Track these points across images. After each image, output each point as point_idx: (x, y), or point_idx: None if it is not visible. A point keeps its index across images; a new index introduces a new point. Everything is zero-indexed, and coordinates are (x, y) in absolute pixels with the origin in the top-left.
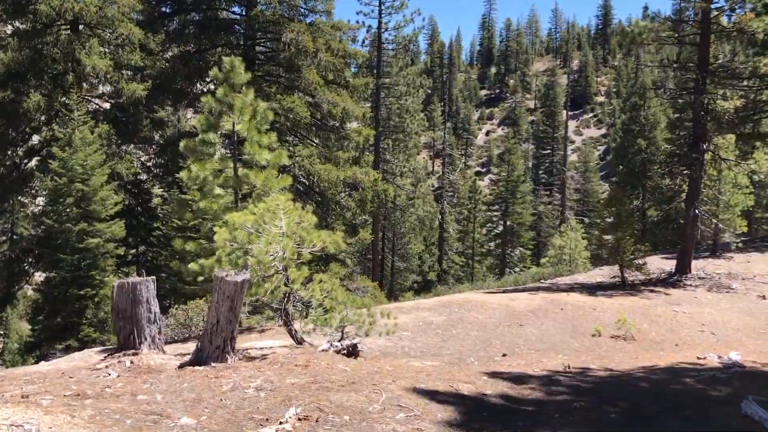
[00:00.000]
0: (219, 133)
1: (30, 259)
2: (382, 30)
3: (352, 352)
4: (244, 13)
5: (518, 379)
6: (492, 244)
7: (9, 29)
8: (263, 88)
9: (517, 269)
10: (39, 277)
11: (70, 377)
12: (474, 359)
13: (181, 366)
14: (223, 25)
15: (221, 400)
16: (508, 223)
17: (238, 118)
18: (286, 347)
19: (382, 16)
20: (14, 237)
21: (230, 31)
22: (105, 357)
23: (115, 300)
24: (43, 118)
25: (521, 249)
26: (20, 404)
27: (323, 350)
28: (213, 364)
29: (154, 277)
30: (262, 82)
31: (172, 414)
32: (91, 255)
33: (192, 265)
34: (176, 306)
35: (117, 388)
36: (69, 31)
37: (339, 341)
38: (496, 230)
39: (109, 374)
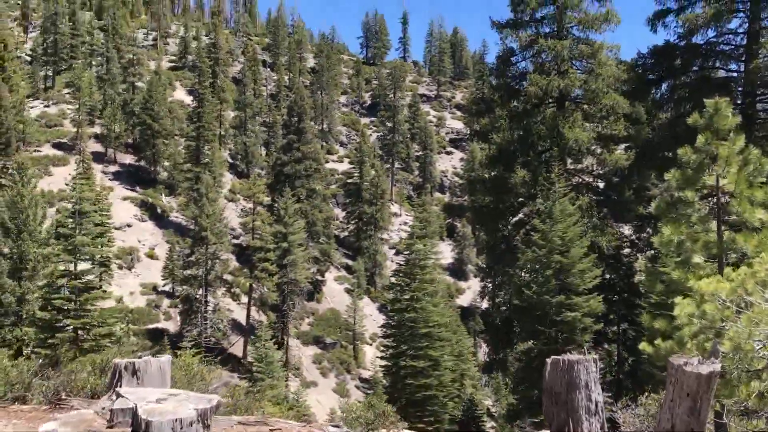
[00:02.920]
0: (697, 189)
1: (515, 329)
2: None
3: None
4: (741, 69)
5: None
6: None
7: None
8: (766, 149)
9: None
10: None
11: None
12: None
13: None
14: (716, 84)
15: None
16: None
17: (723, 170)
18: None
19: None
20: (508, 307)
21: (725, 90)
22: None
23: (547, 380)
24: (530, 191)
25: None
26: None
27: None
28: None
29: (596, 356)
30: (764, 143)
31: None
32: (568, 328)
33: (644, 346)
34: (647, 394)
35: None
36: (554, 108)
37: None
38: None
39: None
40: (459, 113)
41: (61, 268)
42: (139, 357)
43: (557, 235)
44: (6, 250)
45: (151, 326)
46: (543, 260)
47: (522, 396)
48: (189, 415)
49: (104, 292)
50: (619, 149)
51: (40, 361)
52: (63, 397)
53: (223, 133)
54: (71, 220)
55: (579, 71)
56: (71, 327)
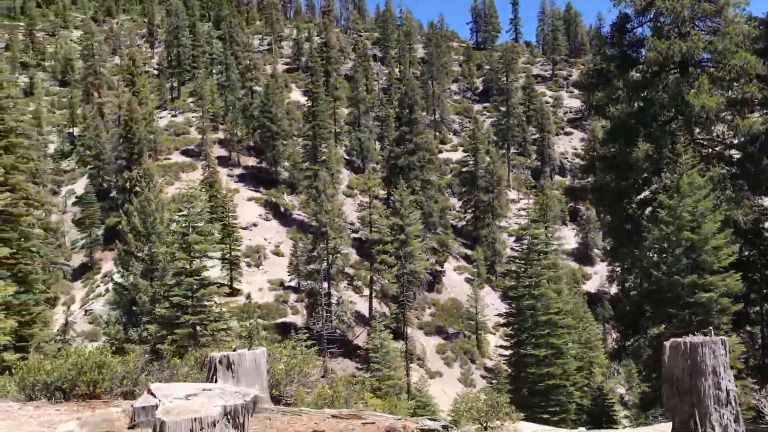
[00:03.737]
0: None
1: (646, 313)
2: None
3: None
4: None
5: None
6: None
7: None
8: None
9: None
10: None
11: None
12: None
13: None
14: None
15: None
16: None
17: None
18: None
19: None
20: (638, 290)
21: None
22: None
23: (667, 366)
24: (655, 166)
25: None
26: None
27: None
28: None
29: (725, 338)
30: None
31: None
32: (704, 310)
33: None
34: None
35: None
36: (677, 74)
37: None
38: None
39: None
40: (577, 91)
41: (186, 266)
42: (234, 350)
43: (686, 210)
44: (139, 255)
45: (279, 320)
46: (672, 238)
47: (654, 384)
48: (210, 414)
49: (218, 287)
50: (754, 115)
51: (145, 357)
52: None
53: (338, 130)
54: (184, 219)
55: (702, 32)
56: (189, 323)
